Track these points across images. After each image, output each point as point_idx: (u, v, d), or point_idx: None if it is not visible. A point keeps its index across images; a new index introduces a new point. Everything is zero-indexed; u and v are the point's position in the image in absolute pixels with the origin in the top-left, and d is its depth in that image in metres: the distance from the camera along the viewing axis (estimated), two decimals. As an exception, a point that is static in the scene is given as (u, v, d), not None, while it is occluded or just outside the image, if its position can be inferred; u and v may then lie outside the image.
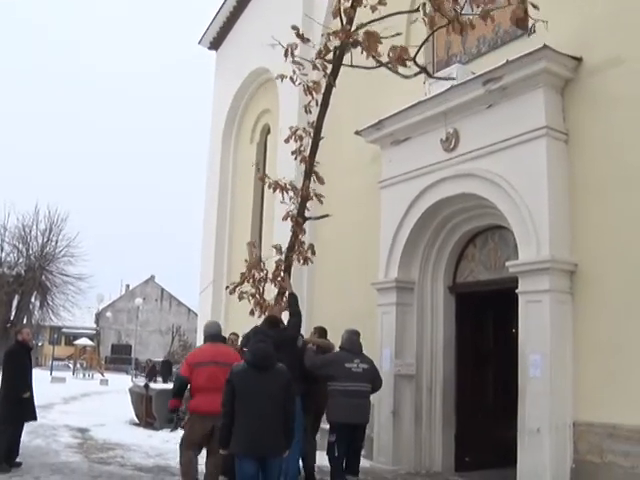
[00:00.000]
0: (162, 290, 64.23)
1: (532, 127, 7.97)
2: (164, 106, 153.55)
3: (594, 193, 7.73)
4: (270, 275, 8.93)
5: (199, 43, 17.20)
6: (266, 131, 15.50)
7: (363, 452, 10.29)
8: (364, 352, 8.47)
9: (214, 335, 7.65)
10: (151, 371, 33.65)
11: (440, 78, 8.73)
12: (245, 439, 5.66)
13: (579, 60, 7.93)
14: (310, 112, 8.54)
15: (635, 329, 7.14)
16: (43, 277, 35.24)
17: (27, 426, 9.26)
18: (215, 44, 17.04)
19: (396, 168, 10.06)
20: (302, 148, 8.75)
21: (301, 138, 8.70)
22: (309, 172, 8.69)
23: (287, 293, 9.00)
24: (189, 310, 63.58)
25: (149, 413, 14.39)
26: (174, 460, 8.41)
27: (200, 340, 16.64)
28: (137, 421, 15.23)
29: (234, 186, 16.17)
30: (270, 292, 9.21)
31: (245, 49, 15.54)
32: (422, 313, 9.95)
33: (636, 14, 7.48)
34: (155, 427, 13.60)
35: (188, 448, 7.26)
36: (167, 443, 11.68)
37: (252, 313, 9.02)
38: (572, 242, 7.84)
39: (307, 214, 8.79)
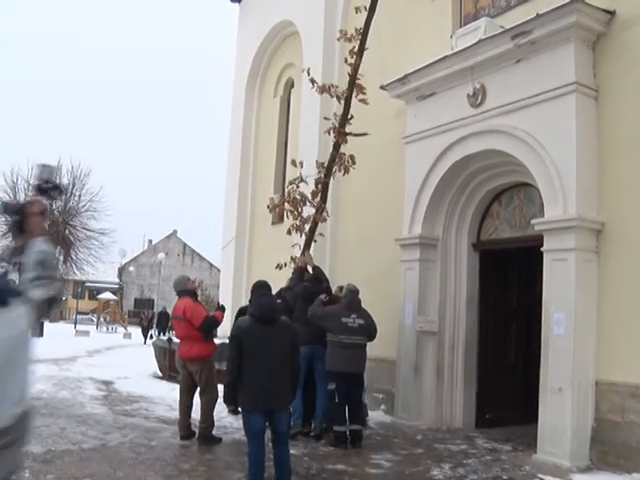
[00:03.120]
0: (184, 245, 64.62)
1: (561, 83, 7.75)
2: (185, 60, 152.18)
3: (623, 151, 7.54)
4: (309, 195, 9.73)
5: (222, -5, 16.96)
6: (290, 85, 15.33)
7: (383, 407, 10.53)
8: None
9: (177, 291, 8.65)
10: (149, 323, 33.42)
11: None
12: (253, 394, 5.62)
13: (612, 14, 7.66)
14: (359, 12, 9.63)
15: (661, 290, 7.06)
16: (67, 232, 35.48)
17: (53, 378, 9.44)
18: (238, -4, 16.79)
19: (421, 123, 9.90)
20: (354, 49, 9.56)
21: (350, 40, 9.60)
22: (354, 76, 9.50)
23: (311, 268, 9.37)
24: (211, 265, 64.11)
25: (172, 367, 14.58)
26: (196, 412, 8.56)
27: (222, 295, 16.84)
28: (160, 374, 15.48)
29: (257, 140, 16.09)
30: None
31: (268, 1, 15.29)
32: (445, 270, 9.90)
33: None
34: (178, 380, 13.79)
35: (181, 392, 8.62)
36: (191, 396, 11.88)
37: (289, 232, 10.02)
38: (599, 201, 7.70)
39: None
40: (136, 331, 37.81)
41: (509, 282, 10.25)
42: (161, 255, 45.59)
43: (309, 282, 9.39)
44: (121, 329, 39.78)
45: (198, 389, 8.47)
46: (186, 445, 7.93)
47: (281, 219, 14.74)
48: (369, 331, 8.53)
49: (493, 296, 10.00)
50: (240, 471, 6.67)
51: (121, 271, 62.64)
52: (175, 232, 65.01)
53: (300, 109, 13.75)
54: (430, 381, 9.68)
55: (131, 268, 60.38)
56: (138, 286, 62.75)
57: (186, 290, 8.61)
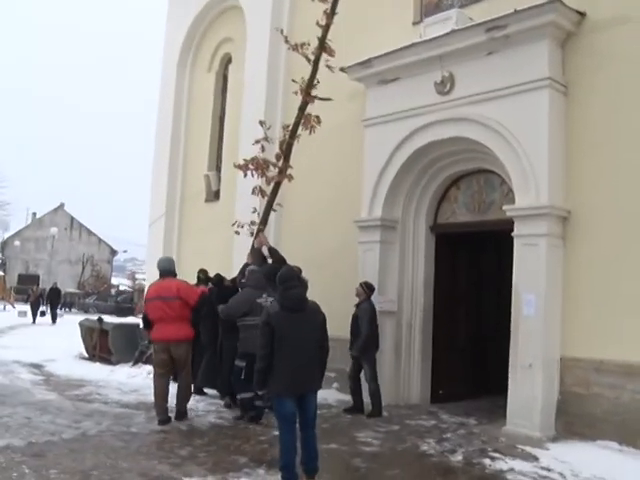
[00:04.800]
0: (72, 219, 61.87)
1: (535, 77, 8.13)
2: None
3: (588, 145, 8.05)
4: (274, 159, 9.95)
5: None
6: (226, 60, 15.06)
7: (336, 385, 10.73)
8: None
9: (161, 271, 8.61)
10: (36, 301, 30.72)
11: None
12: (285, 379, 5.66)
13: (582, 15, 8.12)
14: None
15: (621, 273, 7.64)
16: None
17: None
18: (171, -33, 16.22)
19: (382, 108, 10.06)
20: (327, 10, 9.52)
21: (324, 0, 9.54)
22: (324, 37, 9.55)
23: (266, 248, 9.57)
24: (100, 240, 62.07)
25: (102, 348, 14.21)
26: (152, 396, 8.55)
27: (148, 272, 16.50)
28: (86, 355, 15.04)
29: (189, 116, 15.73)
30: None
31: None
32: (404, 251, 10.18)
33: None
34: (112, 362, 13.49)
35: (157, 375, 8.41)
36: (134, 378, 11.68)
37: (254, 193, 10.20)
38: (566, 190, 8.21)
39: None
40: (22, 308, 36.06)
41: (460, 264, 10.67)
42: (54, 230, 43.64)
43: (276, 263, 9.55)
44: (9, 307, 37.84)
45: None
46: (166, 430, 7.84)
47: (217, 196, 14.64)
48: None
49: (447, 277, 10.41)
50: (242, 455, 6.76)
51: (4, 245, 59.35)
52: (62, 205, 62.09)
53: (243, 81, 13.52)
54: (389, 359, 9.97)
55: (16, 242, 57.13)
56: (22, 261, 59.55)
57: (172, 271, 8.66)
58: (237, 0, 14.01)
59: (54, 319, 29.63)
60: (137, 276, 73.11)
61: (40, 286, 43.97)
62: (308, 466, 5.74)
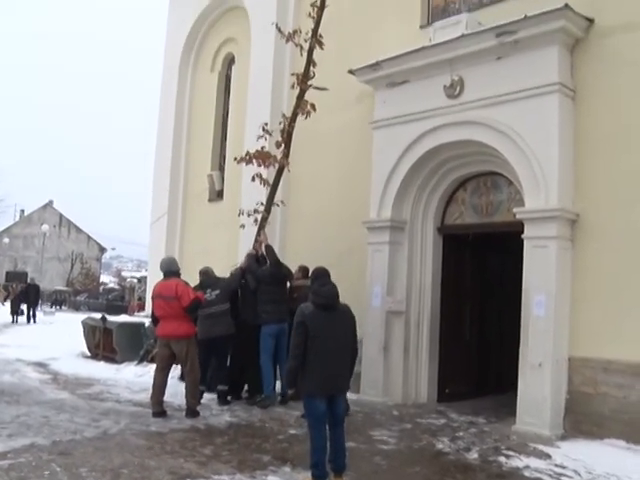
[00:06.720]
0: (61, 216, 61.55)
1: (544, 82, 8.31)
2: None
3: (596, 149, 8.25)
4: (275, 147, 10.55)
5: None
6: (229, 60, 15.16)
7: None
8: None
9: (164, 272, 9.01)
10: (16, 299, 28.20)
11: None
12: (318, 379, 5.72)
13: (591, 21, 8.30)
14: None
15: (628, 275, 7.85)
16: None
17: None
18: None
19: (391, 110, 10.20)
20: (317, 2, 10.10)
21: None
22: (316, 28, 10.10)
23: (264, 246, 9.85)
24: (89, 237, 61.79)
25: (107, 346, 14.26)
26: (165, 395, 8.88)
27: (150, 270, 16.58)
28: (88, 354, 15.09)
29: (191, 116, 15.81)
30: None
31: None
32: (412, 252, 10.31)
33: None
34: (116, 361, 13.54)
35: (157, 368, 8.95)
36: (142, 377, 11.73)
37: (253, 180, 10.66)
38: (575, 193, 8.40)
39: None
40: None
41: (467, 265, 10.85)
42: (45, 227, 43.44)
43: (272, 266, 9.98)
44: (-1, 304, 37.64)
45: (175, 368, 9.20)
46: (186, 429, 7.94)
47: (220, 196, 14.73)
48: (226, 297, 9.75)
49: (454, 278, 10.57)
50: (265, 453, 6.87)
51: (-12, 243, 58.86)
52: (51, 202, 61.76)
53: (247, 80, 13.62)
54: (397, 359, 10.12)
55: (5, 239, 56.67)
56: (11, 258, 59.05)
57: (174, 271, 8.97)
58: (239, 0, 14.09)
59: (30, 319, 27.18)
60: (123, 274, 73.01)
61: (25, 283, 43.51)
62: (337, 463, 5.83)
